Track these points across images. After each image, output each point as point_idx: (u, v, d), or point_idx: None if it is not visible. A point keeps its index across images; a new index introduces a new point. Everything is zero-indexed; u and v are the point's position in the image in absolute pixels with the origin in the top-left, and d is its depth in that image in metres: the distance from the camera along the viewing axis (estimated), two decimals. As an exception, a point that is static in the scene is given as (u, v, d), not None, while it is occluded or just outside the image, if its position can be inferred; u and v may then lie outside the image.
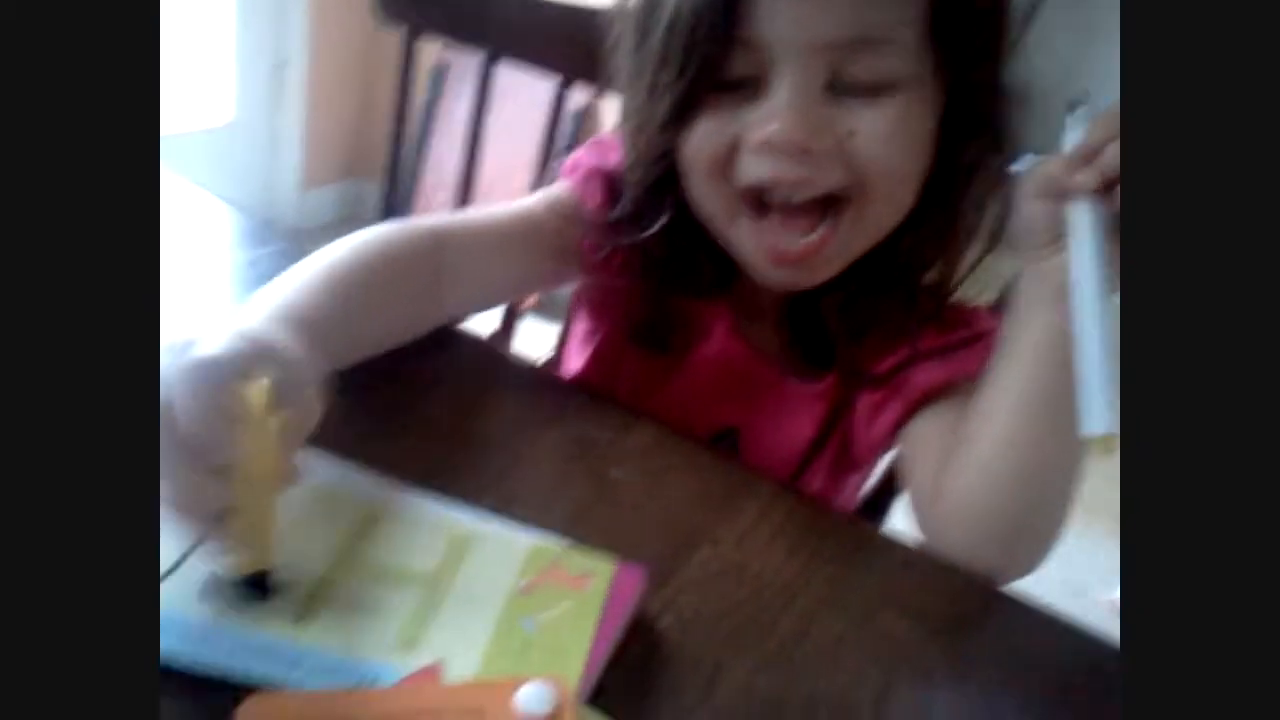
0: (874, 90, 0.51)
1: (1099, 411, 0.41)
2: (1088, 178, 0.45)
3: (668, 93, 0.53)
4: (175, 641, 0.38)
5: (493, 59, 0.93)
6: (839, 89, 0.51)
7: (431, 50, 0.98)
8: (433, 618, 0.42)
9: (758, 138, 0.52)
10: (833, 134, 0.51)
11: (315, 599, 0.42)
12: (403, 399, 0.57)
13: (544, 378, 0.67)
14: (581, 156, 0.68)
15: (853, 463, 0.66)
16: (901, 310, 0.60)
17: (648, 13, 0.54)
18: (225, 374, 0.39)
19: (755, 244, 0.56)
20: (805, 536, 0.53)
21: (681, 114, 0.53)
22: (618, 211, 0.62)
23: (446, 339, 0.63)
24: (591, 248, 0.63)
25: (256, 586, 0.41)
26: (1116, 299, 0.42)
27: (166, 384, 0.39)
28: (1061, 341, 0.46)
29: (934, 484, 0.57)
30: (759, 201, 0.55)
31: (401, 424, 0.55)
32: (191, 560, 0.41)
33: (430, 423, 0.56)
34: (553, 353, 0.92)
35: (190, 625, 0.39)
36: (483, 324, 0.74)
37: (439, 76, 1.06)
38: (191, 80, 2.30)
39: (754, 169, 0.53)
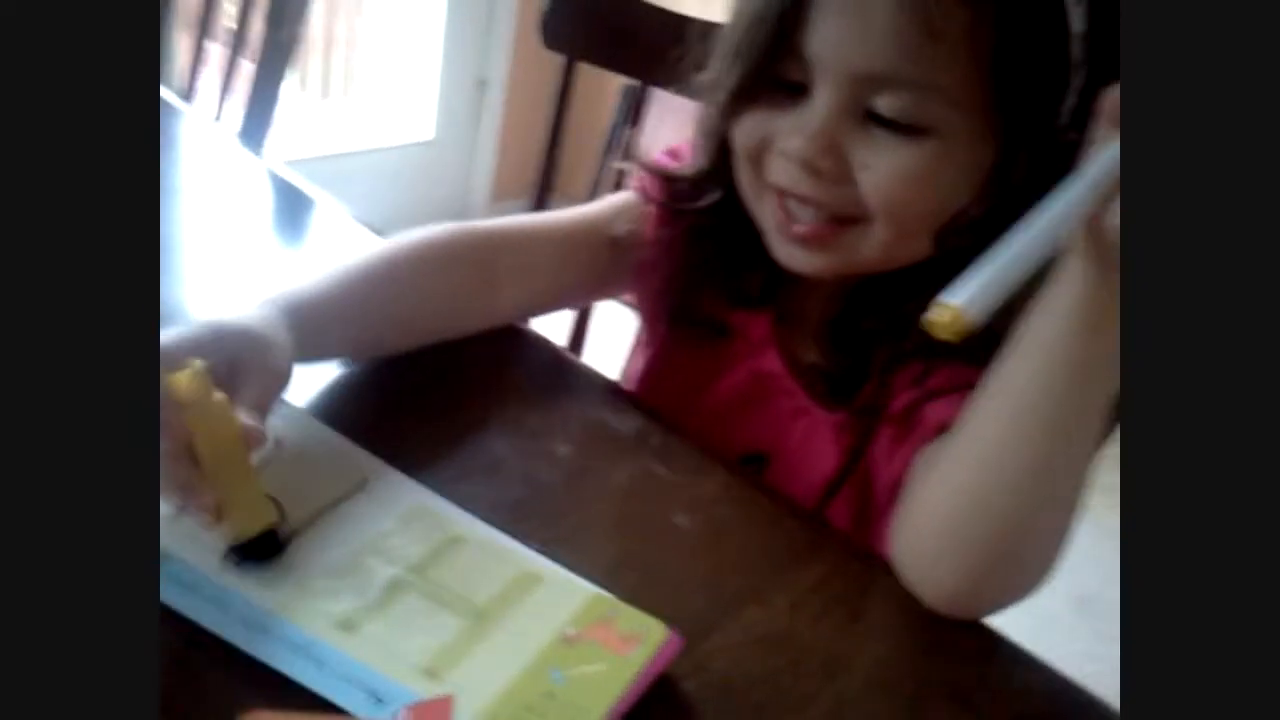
0: (906, 129, 0.51)
1: (971, 287, 0.37)
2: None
3: (725, 85, 0.56)
4: (218, 620, 0.41)
5: (645, 86, 0.94)
6: (874, 119, 0.51)
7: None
8: (470, 649, 0.42)
9: (778, 146, 0.54)
10: (846, 163, 0.52)
11: (374, 609, 0.43)
12: (473, 415, 0.58)
13: (624, 399, 0.65)
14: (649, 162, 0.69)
15: (877, 508, 0.61)
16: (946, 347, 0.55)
17: (730, 13, 0.57)
18: (165, 363, 0.43)
19: (772, 217, 0.57)
20: (864, 609, 0.50)
21: (733, 106, 0.56)
22: (677, 183, 0.65)
23: (522, 344, 0.65)
24: (651, 239, 0.65)
25: (260, 550, 0.45)
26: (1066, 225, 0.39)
27: None
28: (1097, 308, 0.42)
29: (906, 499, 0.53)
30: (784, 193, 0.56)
31: (467, 453, 0.56)
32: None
33: (496, 450, 0.56)
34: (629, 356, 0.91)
35: (248, 609, 0.42)
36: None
37: (627, 98, 1.06)
38: (400, 98, 2.46)
39: (776, 173, 0.55)
